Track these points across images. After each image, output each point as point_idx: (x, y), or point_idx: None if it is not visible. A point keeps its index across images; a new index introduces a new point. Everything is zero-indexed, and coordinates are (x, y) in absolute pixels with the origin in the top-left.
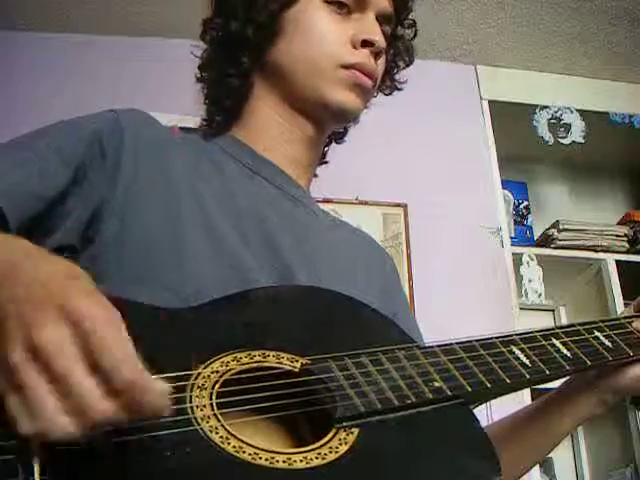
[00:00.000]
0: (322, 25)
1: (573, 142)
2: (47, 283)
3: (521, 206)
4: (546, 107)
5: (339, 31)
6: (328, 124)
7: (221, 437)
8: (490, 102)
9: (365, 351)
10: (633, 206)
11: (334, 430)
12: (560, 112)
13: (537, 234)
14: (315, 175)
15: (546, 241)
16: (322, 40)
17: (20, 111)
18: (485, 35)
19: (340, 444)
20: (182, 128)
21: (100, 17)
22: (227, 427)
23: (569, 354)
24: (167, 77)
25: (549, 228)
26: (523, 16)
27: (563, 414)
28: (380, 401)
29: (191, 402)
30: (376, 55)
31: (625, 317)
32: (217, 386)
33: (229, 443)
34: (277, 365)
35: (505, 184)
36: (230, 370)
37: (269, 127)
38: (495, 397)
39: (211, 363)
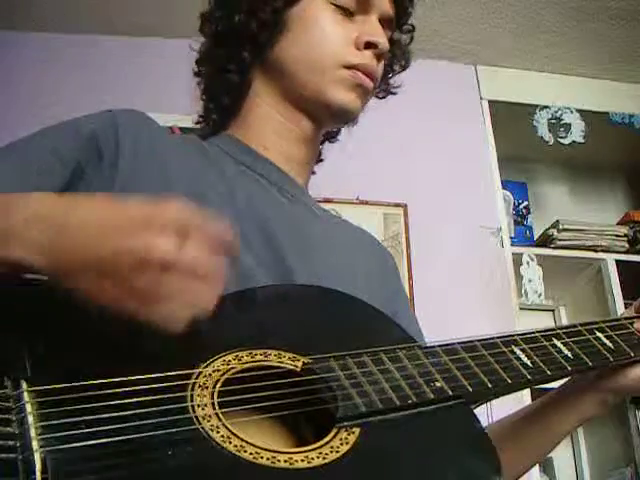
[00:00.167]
0: (326, 25)
1: (573, 142)
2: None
3: (521, 206)
4: (546, 107)
5: (343, 32)
6: (326, 123)
7: (222, 436)
8: (490, 102)
9: (366, 350)
10: (633, 206)
11: (335, 430)
12: (560, 112)
13: (537, 234)
14: (313, 172)
15: (546, 241)
16: (326, 40)
17: (20, 111)
18: (485, 35)
19: (341, 444)
20: (182, 128)
21: (100, 17)
22: (228, 426)
23: (570, 354)
24: (167, 77)
25: (549, 228)
26: (523, 16)
27: (563, 414)
28: (381, 401)
29: (192, 401)
30: (378, 57)
31: (626, 318)
32: (218, 385)
33: (230, 442)
34: (278, 364)
35: (505, 184)
36: (231, 369)
37: (267, 125)
38: (496, 397)
39: (212, 362)
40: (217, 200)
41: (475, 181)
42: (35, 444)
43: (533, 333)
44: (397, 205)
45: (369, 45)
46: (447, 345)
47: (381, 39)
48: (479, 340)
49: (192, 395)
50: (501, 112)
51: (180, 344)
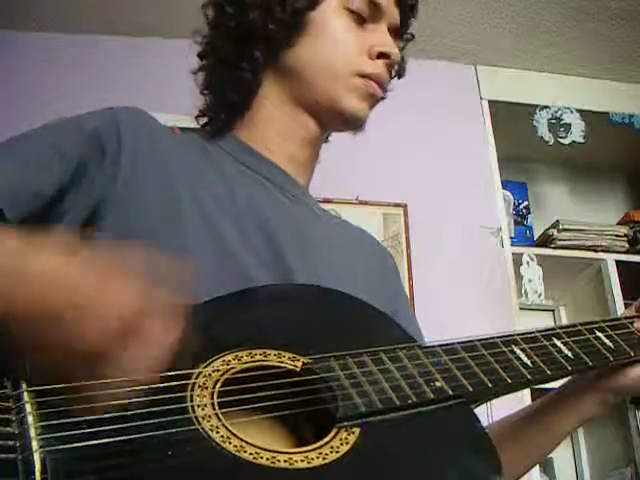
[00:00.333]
0: (343, 32)
1: (573, 142)
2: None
3: (521, 206)
4: (546, 107)
5: (357, 40)
6: (334, 128)
7: (222, 437)
8: (490, 102)
9: (366, 350)
10: (633, 206)
11: (335, 430)
12: (560, 112)
13: (537, 234)
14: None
15: (546, 241)
16: (342, 47)
17: (20, 111)
18: (485, 35)
19: (341, 444)
20: (182, 128)
21: (100, 17)
22: (228, 426)
23: (570, 354)
24: (167, 77)
25: (549, 228)
26: (523, 16)
27: (563, 414)
28: (381, 401)
29: (192, 401)
30: (389, 67)
31: (626, 317)
32: (218, 385)
33: (230, 443)
34: (278, 364)
35: (505, 184)
36: (231, 369)
37: (271, 126)
38: (496, 397)
39: (212, 362)
40: (217, 200)
41: (475, 181)
42: (35, 444)
43: (533, 333)
44: (397, 205)
45: (381, 55)
46: (447, 345)
47: (394, 50)
48: (479, 340)
49: (192, 395)
50: (501, 112)
51: (179, 344)
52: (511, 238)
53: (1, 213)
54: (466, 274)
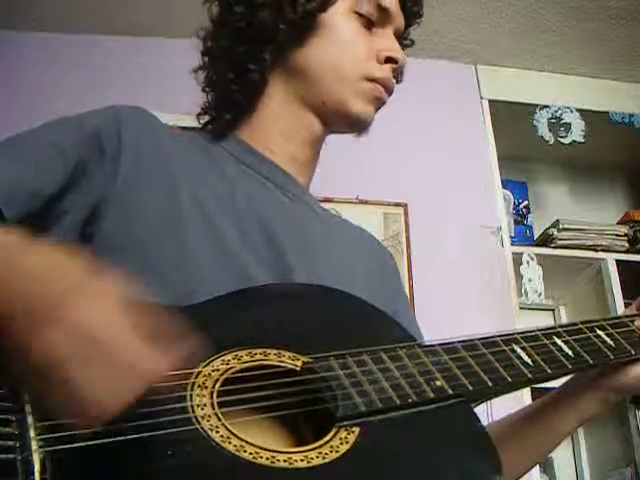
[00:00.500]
0: (353, 36)
1: (573, 142)
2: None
3: (521, 206)
4: (546, 107)
5: (367, 44)
6: (338, 128)
7: (222, 436)
8: (490, 102)
9: (367, 349)
10: (633, 206)
11: (335, 429)
12: (560, 112)
13: (537, 234)
14: None
15: (546, 241)
16: (352, 50)
17: (20, 111)
18: (485, 35)
19: (341, 443)
20: (183, 128)
21: (100, 17)
22: (228, 426)
23: (571, 353)
24: (167, 77)
25: (549, 228)
26: (523, 16)
27: (564, 413)
28: (381, 400)
29: (192, 401)
30: (395, 72)
31: (627, 316)
32: (218, 385)
33: (230, 442)
34: (278, 363)
35: (505, 184)
36: (231, 368)
37: (274, 125)
38: (496, 396)
39: (212, 361)
40: (217, 200)
41: (475, 181)
42: (34, 444)
43: (534, 331)
44: (397, 205)
45: (389, 60)
46: (447, 344)
47: (401, 55)
48: (479, 339)
49: (191, 395)
50: (501, 112)
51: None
52: (511, 238)
53: (0, 213)
54: (466, 274)
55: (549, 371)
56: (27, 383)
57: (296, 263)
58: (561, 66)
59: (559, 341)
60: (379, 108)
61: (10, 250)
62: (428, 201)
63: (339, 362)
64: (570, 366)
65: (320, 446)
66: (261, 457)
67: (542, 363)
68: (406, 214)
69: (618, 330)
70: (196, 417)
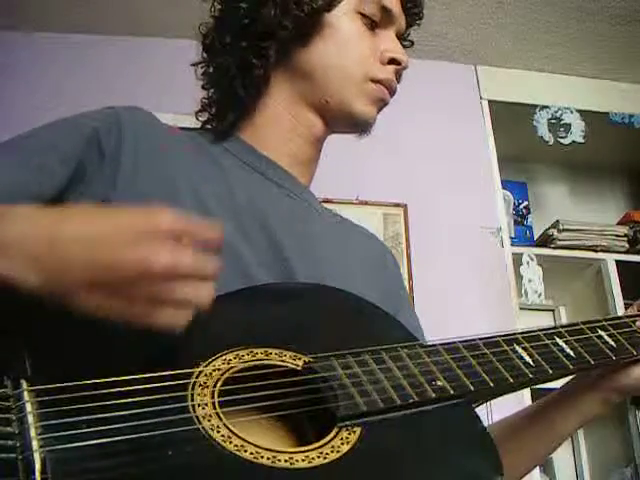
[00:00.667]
0: (357, 37)
1: (573, 142)
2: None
3: (521, 206)
4: (546, 107)
5: (370, 46)
6: (340, 128)
7: (222, 436)
8: (490, 102)
9: (368, 349)
10: (633, 206)
11: (336, 429)
12: (560, 112)
13: (537, 234)
14: None
15: (546, 241)
16: (356, 51)
17: (20, 111)
18: (485, 35)
19: (342, 443)
20: (182, 128)
21: (100, 17)
22: (229, 426)
23: (572, 353)
24: (167, 77)
25: (549, 228)
26: (523, 16)
27: (565, 414)
28: (382, 400)
29: (193, 400)
30: (397, 73)
31: (628, 316)
32: (219, 384)
33: (231, 442)
34: (279, 363)
35: (505, 184)
36: (232, 368)
37: (276, 125)
38: (497, 396)
39: (213, 361)
40: (217, 197)
41: (475, 181)
42: (35, 444)
43: (535, 331)
44: (397, 205)
45: (392, 61)
46: (449, 344)
47: (404, 57)
48: (481, 339)
49: (192, 394)
50: (501, 112)
51: (180, 343)
52: (511, 238)
53: None
54: (466, 274)
55: (550, 371)
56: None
57: (297, 262)
58: (561, 66)
59: (560, 341)
60: (381, 109)
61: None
62: (428, 202)
63: (340, 362)
64: (571, 366)
65: (321, 446)
66: (262, 457)
67: (543, 363)
68: (406, 215)
69: (619, 330)
70: (197, 417)
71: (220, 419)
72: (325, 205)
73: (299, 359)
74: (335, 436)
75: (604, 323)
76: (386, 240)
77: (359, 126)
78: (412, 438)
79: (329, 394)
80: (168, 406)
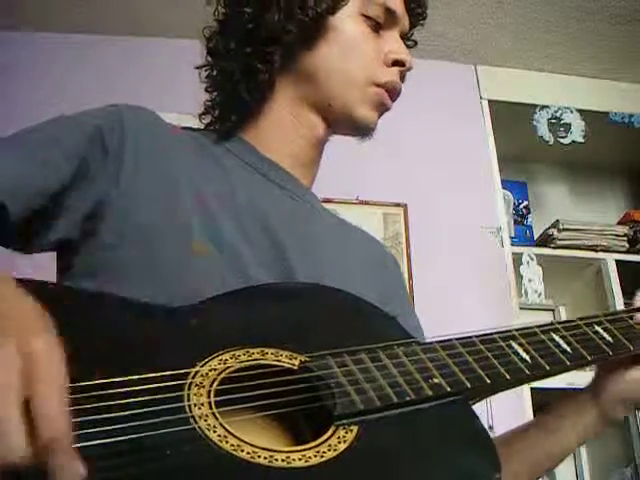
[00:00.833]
0: (361, 40)
1: (573, 142)
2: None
3: (521, 206)
4: (546, 107)
5: (375, 48)
6: (341, 131)
7: (219, 436)
8: (490, 102)
9: (364, 348)
10: (633, 206)
11: (333, 428)
12: (560, 112)
13: (537, 234)
14: None
15: (546, 241)
16: (360, 54)
17: (21, 111)
18: (485, 35)
19: (339, 442)
20: (185, 128)
21: (100, 17)
22: (225, 425)
23: (569, 349)
24: (167, 77)
25: (549, 228)
26: (523, 16)
27: (568, 423)
28: (379, 398)
29: (189, 400)
30: (401, 74)
31: (625, 311)
32: (215, 384)
33: (227, 442)
34: (276, 363)
35: (505, 184)
36: (228, 368)
37: (278, 127)
38: (494, 393)
39: (209, 361)
40: (218, 197)
41: (475, 181)
42: None
43: (531, 328)
44: (397, 205)
45: (396, 62)
46: (445, 341)
47: (408, 58)
48: (477, 335)
49: (189, 394)
50: (501, 112)
51: (177, 343)
52: (511, 238)
53: (5, 210)
54: (466, 274)
55: (547, 367)
56: None
57: (297, 263)
58: (561, 66)
59: (557, 337)
60: (383, 114)
61: None
62: (428, 201)
63: (337, 361)
64: (568, 362)
65: (318, 445)
66: (259, 456)
67: (540, 359)
68: (406, 214)
69: (616, 326)
70: (193, 417)
71: (216, 419)
72: (325, 205)
73: (295, 358)
74: (332, 435)
75: (601, 319)
76: (386, 240)
77: (360, 130)
78: (409, 436)
79: (326, 393)
80: (165, 406)
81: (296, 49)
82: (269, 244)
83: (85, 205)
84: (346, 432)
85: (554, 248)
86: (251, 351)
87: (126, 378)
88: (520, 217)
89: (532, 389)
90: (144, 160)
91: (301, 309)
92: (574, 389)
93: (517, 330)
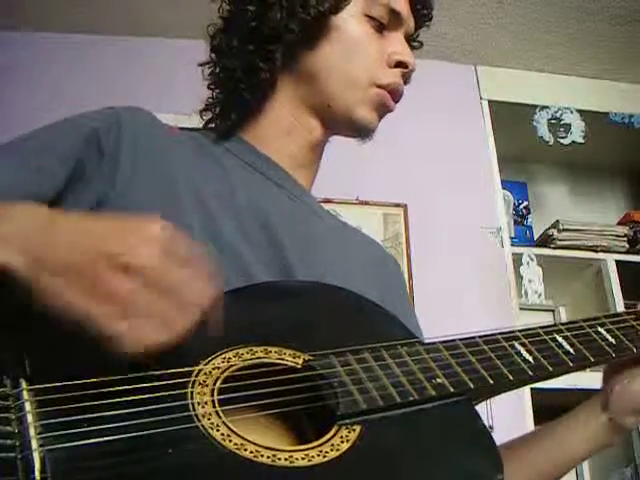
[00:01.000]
0: (364, 41)
1: (573, 142)
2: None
3: (521, 206)
4: (546, 107)
5: (377, 49)
6: (341, 133)
7: (222, 434)
8: (490, 102)
9: (367, 347)
10: (633, 206)
11: (336, 427)
12: (560, 112)
13: (537, 234)
14: None
15: (546, 241)
16: (363, 55)
17: (20, 111)
18: (485, 35)
19: (342, 442)
20: (182, 128)
21: (100, 17)
22: (228, 424)
23: (572, 350)
24: (167, 77)
25: (549, 228)
26: (523, 16)
27: (574, 434)
28: (382, 398)
29: (192, 399)
30: (405, 76)
31: (628, 313)
32: (218, 383)
33: (230, 441)
34: (279, 361)
35: (505, 184)
36: (232, 366)
37: (278, 127)
38: (497, 393)
39: (212, 359)
40: (217, 196)
41: (475, 181)
42: (34, 443)
43: (535, 328)
44: (397, 205)
45: (399, 64)
46: (448, 341)
47: (411, 59)
48: (480, 336)
49: (192, 393)
50: (501, 112)
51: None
52: (511, 238)
53: None
54: (466, 274)
55: (550, 368)
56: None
57: (296, 262)
58: (561, 66)
59: (560, 338)
60: (383, 116)
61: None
62: (428, 202)
63: (340, 360)
64: (571, 363)
65: (321, 444)
66: (262, 455)
67: (543, 360)
68: (406, 215)
69: (619, 327)
70: (196, 415)
71: (220, 417)
72: (325, 205)
73: (299, 357)
74: (335, 434)
75: (604, 320)
76: (386, 240)
77: (360, 132)
78: (412, 436)
79: (329, 392)
80: (168, 404)
81: (298, 48)
82: (269, 243)
83: (82, 208)
84: (349, 432)
85: (554, 248)
86: (254, 349)
87: (131, 376)
88: (520, 217)
89: (532, 389)
90: (142, 161)
91: (304, 307)
92: (574, 389)
93: (520, 331)
